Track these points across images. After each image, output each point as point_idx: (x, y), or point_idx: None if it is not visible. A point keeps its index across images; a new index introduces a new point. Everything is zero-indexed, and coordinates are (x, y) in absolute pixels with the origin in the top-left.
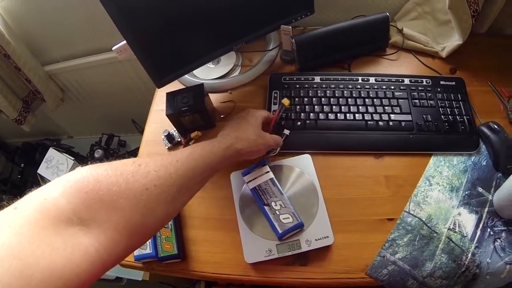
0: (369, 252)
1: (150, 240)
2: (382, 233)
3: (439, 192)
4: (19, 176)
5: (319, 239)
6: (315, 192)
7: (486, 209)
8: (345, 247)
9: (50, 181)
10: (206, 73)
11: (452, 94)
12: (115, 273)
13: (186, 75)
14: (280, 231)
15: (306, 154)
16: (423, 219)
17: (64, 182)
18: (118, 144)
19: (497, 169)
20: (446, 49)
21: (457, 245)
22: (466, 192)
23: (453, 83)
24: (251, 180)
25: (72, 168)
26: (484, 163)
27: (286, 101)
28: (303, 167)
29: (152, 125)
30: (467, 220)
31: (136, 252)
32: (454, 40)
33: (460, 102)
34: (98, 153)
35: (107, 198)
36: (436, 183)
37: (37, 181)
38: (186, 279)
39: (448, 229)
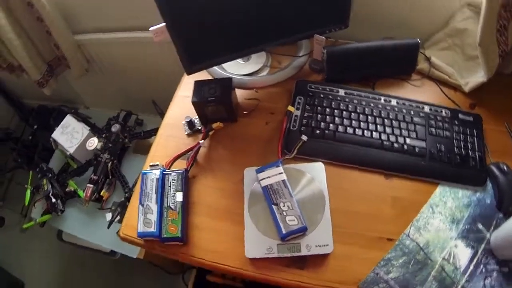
0: (364, 267)
1: (155, 219)
2: (379, 251)
3: (440, 221)
4: (31, 137)
5: (319, 245)
6: (322, 200)
7: (483, 246)
8: (343, 258)
9: (63, 146)
10: (236, 68)
11: (468, 129)
12: (111, 246)
13: (215, 67)
14: (284, 231)
15: (319, 162)
16: (421, 245)
17: None
18: (135, 122)
19: (499, 209)
20: (470, 84)
21: (449, 275)
22: (466, 226)
23: (471, 118)
24: (264, 178)
25: (87, 138)
26: (488, 201)
27: (291, 108)
28: (315, 174)
29: (174, 109)
30: (463, 253)
31: (140, 229)
32: (478, 76)
33: (475, 138)
34: (115, 127)
35: None
36: (439, 212)
37: (49, 145)
38: (178, 265)
39: (443, 258)
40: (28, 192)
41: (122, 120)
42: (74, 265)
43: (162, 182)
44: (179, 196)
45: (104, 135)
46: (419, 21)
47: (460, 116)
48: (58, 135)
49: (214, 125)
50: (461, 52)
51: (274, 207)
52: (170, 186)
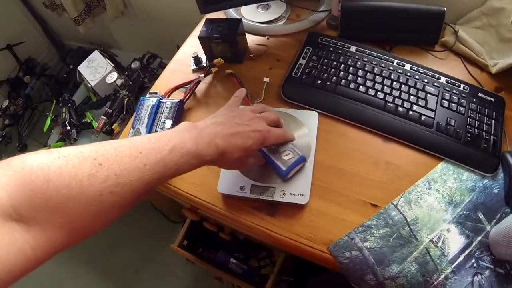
0: (339, 229)
1: None
2: (360, 216)
3: (435, 200)
4: (65, 75)
5: (294, 194)
6: (308, 149)
7: (479, 239)
8: (318, 213)
9: (86, 78)
10: (253, 15)
11: (487, 110)
12: None
13: (233, 12)
14: (284, 169)
15: (313, 111)
16: (408, 219)
17: (9, 171)
18: (158, 65)
19: (507, 202)
20: (499, 65)
21: (433, 260)
22: (465, 212)
23: (493, 99)
24: None
25: (110, 73)
26: (496, 191)
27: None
28: (306, 122)
29: (187, 47)
30: (454, 240)
31: None
32: (510, 59)
33: (493, 120)
34: (135, 64)
35: (55, 200)
36: (436, 189)
37: (77, 79)
38: (180, 215)
39: (430, 240)
40: (49, 120)
41: (146, 62)
42: None
43: (156, 109)
44: (168, 123)
45: (126, 73)
46: None
47: (480, 94)
48: (83, 68)
49: (215, 61)
50: (495, 32)
51: (264, 149)
52: (162, 113)
